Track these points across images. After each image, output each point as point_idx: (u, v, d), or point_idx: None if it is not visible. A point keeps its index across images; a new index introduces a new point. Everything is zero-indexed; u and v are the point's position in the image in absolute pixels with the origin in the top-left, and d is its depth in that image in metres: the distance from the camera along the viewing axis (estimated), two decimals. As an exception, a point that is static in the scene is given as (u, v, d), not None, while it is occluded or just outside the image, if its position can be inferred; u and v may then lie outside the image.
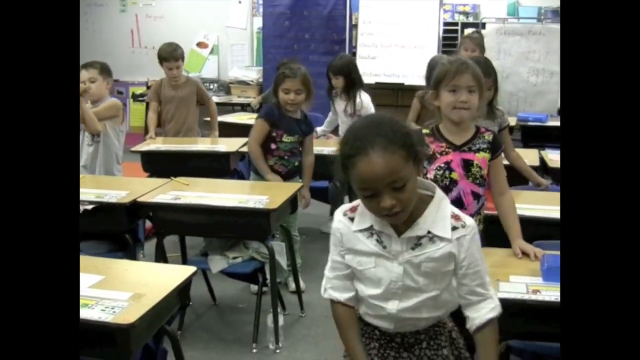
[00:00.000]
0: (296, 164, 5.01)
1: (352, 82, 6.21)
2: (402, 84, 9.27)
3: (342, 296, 2.31)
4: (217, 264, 4.37)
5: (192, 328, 4.58)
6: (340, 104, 6.23)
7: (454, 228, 2.20)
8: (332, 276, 2.33)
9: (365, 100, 6.17)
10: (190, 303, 4.57)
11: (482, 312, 2.26)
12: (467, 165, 3.26)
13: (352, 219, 2.26)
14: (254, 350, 4.23)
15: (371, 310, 2.31)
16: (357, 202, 2.27)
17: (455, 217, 2.21)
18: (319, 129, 6.36)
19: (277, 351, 4.21)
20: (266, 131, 4.87)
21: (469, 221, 2.23)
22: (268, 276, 4.26)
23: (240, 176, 5.77)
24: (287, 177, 4.95)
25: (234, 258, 4.37)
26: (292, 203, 4.51)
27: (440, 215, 2.20)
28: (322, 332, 4.48)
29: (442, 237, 2.19)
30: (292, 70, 4.82)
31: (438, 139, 3.30)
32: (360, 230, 2.24)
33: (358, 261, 2.25)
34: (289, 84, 4.79)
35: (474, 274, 2.24)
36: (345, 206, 2.32)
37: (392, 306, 2.25)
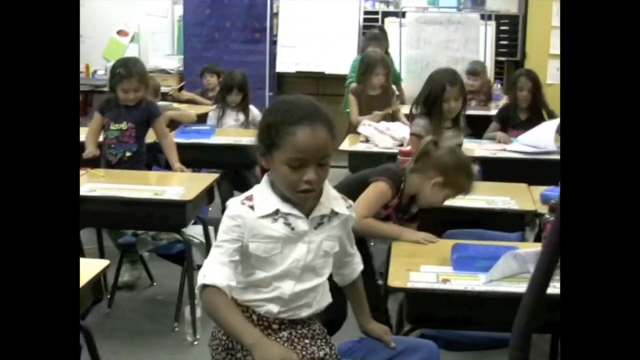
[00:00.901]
0: (128, 153, 4.85)
1: (247, 98, 6.36)
2: (323, 73, 9.30)
3: (224, 283, 2.19)
4: (144, 245, 4.43)
5: (111, 320, 4.54)
6: (231, 115, 6.33)
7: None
8: (219, 261, 2.22)
9: (255, 112, 6.28)
10: (109, 296, 4.55)
11: (354, 267, 2.53)
12: None
13: (251, 207, 2.25)
14: (171, 343, 4.21)
15: (262, 294, 2.29)
16: (250, 192, 2.31)
17: (342, 197, 2.40)
18: None
19: (195, 343, 4.18)
20: (100, 122, 4.90)
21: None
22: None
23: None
24: (117, 166, 4.81)
25: (161, 239, 4.41)
26: (209, 194, 4.52)
27: (333, 194, 2.35)
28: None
29: (341, 213, 2.33)
30: (127, 70, 4.74)
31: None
32: (265, 216, 2.24)
33: (264, 249, 2.24)
34: (126, 84, 4.73)
35: (349, 238, 2.45)
36: (239, 197, 2.32)
37: (288, 287, 2.27)
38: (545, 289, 1.28)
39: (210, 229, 4.33)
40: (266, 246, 2.25)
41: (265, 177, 2.32)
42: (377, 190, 3.31)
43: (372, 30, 7.77)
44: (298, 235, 2.26)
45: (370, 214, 3.26)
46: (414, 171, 3.33)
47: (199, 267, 2.25)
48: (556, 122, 5.15)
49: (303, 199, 2.22)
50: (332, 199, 2.33)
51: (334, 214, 2.31)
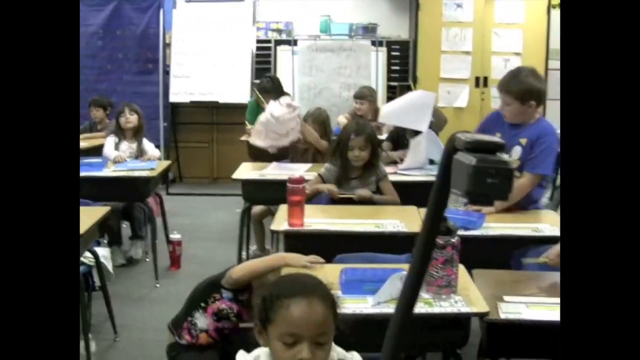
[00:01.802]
0: None
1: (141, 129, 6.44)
2: (217, 102, 9.31)
3: None
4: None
5: None
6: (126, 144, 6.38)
7: None
8: None
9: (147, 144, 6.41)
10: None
11: None
12: None
13: None
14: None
15: None
16: (257, 352, 2.13)
17: None
18: None
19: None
20: None
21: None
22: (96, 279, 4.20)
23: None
24: None
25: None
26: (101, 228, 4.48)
27: None
28: (139, 357, 4.43)
29: None
30: None
31: None
32: None
33: None
34: None
35: None
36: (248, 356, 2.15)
37: None
38: (411, 311, 1.31)
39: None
40: None
41: None
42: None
43: (262, 80, 7.71)
44: None
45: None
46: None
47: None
48: (421, 137, 5.29)
49: None
50: None
51: None
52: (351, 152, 4.46)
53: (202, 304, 3.36)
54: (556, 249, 3.38)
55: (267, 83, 7.44)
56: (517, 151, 4.27)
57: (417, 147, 5.34)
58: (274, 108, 5.58)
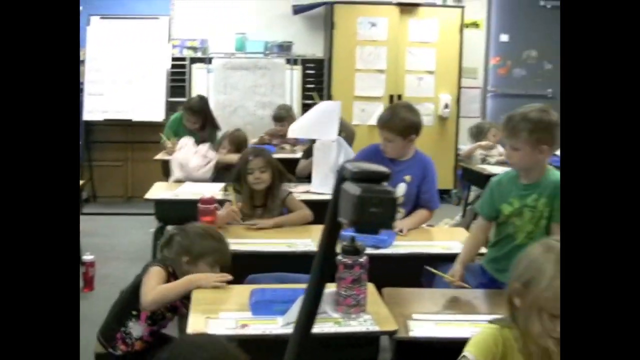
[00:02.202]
0: None
1: None
2: (131, 120, 9.21)
3: None
4: None
5: None
6: None
7: None
8: None
9: None
10: None
11: None
12: None
13: None
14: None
15: None
16: None
17: None
18: None
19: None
20: None
21: None
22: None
23: None
24: None
25: None
26: None
27: None
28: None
29: None
30: None
31: None
32: None
33: None
34: None
35: None
36: None
37: None
38: (309, 329, 1.33)
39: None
40: None
41: None
42: (151, 273, 3.34)
43: (192, 99, 7.69)
44: None
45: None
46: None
47: None
48: (329, 145, 5.34)
49: None
50: None
51: None
52: (251, 175, 4.40)
53: (134, 312, 3.35)
54: (456, 269, 3.46)
55: (195, 102, 7.40)
56: (401, 187, 4.47)
57: (325, 154, 5.36)
58: (189, 156, 5.63)
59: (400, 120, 4.40)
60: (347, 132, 6.07)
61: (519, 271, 2.21)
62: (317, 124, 5.45)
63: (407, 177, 4.47)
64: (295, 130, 5.80)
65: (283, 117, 7.76)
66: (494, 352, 2.24)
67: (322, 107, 5.69)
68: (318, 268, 1.28)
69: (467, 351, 2.25)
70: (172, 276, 3.39)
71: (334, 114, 5.41)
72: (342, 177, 1.10)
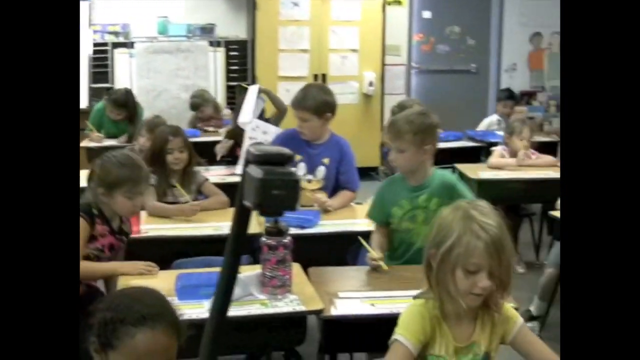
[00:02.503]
0: None
1: None
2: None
3: None
4: None
5: None
6: None
7: None
8: None
9: None
10: None
11: None
12: None
13: None
14: None
15: None
16: None
17: None
18: None
19: None
20: None
21: None
22: None
23: None
24: None
25: None
26: None
27: None
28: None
29: None
30: None
31: None
32: None
33: None
34: None
35: None
36: None
37: None
38: (225, 312, 1.34)
39: None
40: None
41: None
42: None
43: (117, 91, 7.47)
44: None
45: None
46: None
47: None
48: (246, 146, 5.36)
49: None
50: None
51: None
52: (170, 155, 4.37)
53: None
54: (371, 254, 3.45)
55: (121, 96, 7.21)
56: (321, 171, 4.48)
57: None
58: None
59: (313, 99, 4.42)
60: (280, 109, 6.06)
61: (431, 236, 2.28)
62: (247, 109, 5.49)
63: (326, 160, 4.49)
64: (242, 123, 5.71)
65: (198, 104, 7.59)
66: (424, 327, 2.28)
67: (249, 92, 5.70)
68: (230, 252, 1.29)
69: (399, 334, 2.28)
70: (98, 218, 3.33)
71: (250, 97, 5.45)
72: (247, 160, 1.10)
